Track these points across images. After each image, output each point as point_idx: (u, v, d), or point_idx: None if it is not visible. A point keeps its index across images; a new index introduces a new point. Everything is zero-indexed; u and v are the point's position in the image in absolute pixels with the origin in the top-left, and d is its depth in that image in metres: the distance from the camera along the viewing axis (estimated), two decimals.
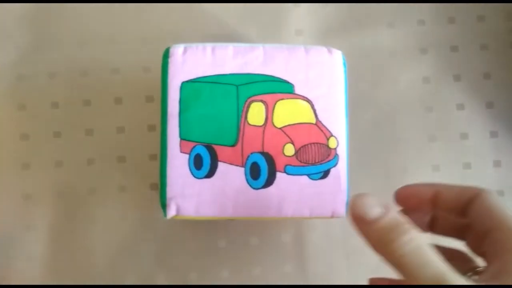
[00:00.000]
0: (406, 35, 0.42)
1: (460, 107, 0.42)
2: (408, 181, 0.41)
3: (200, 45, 0.32)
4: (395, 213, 0.24)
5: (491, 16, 0.43)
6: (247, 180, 0.31)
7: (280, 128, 0.31)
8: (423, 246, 0.23)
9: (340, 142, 0.31)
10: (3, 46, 0.41)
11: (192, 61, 0.32)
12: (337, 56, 0.32)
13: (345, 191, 0.31)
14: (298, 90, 0.31)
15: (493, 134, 0.42)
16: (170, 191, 0.31)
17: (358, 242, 0.38)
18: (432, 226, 0.31)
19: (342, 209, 0.32)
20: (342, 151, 0.31)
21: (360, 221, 0.25)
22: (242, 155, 0.31)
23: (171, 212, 0.31)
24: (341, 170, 0.31)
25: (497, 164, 0.42)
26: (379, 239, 0.24)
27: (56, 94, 0.41)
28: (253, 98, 0.31)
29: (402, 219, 0.24)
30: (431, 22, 0.43)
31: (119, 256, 0.40)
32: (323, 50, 0.32)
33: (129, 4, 0.42)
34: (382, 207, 0.24)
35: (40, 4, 0.42)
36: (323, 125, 0.31)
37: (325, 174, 0.31)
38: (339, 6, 0.43)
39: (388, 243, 0.23)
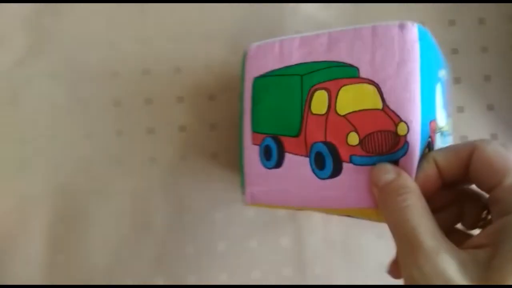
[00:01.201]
0: None
1: (460, 109, 0.42)
2: None
3: (270, 41, 0.32)
4: (404, 179, 0.25)
5: (491, 19, 0.43)
6: (313, 170, 0.30)
7: (343, 116, 0.29)
8: (412, 206, 0.24)
9: (412, 128, 0.27)
10: (4, 47, 0.41)
11: (262, 57, 0.32)
12: (411, 30, 0.28)
13: None
14: (363, 73, 0.29)
15: (494, 137, 0.42)
16: (247, 180, 0.32)
17: (357, 245, 0.38)
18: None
19: None
20: (414, 138, 0.27)
21: (375, 185, 0.26)
22: (305, 145, 0.30)
23: (248, 200, 0.32)
24: (411, 159, 0.27)
25: None
26: (383, 199, 0.25)
27: (56, 96, 0.41)
28: (316, 86, 0.30)
29: (408, 183, 0.25)
30: (431, 24, 0.42)
31: (118, 259, 0.40)
32: (393, 26, 0.29)
33: (130, 4, 0.42)
34: (395, 173, 0.26)
35: (42, 5, 0.42)
36: (391, 110, 0.28)
37: (395, 164, 0.27)
38: (339, 8, 0.43)
39: (387, 203, 0.25)
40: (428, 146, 0.28)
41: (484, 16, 0.43)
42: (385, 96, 0.28)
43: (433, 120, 0.29)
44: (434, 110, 0.29)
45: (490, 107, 0.42)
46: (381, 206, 0.26)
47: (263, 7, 0.42)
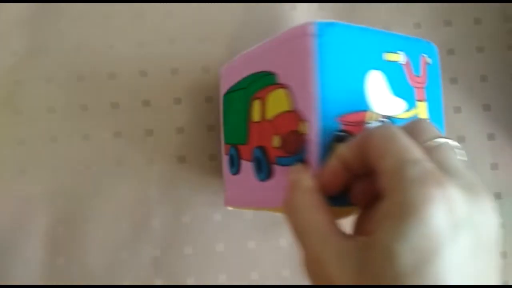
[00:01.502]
0: None
1: (457, 110, 0.42)
2: None
3: (235, 58, 0.35)
4: (298, 178, 0.26)
5: (487, 19, 0.43)
6: (255, 173, 0.32)
7: (269, 121, 0.31)
8: (301, 205, 0.24)
9: (310, 125, 0.27)
10: (1, 49, 0.41)
11: (227, 75, 0.36)
12: (306, 29, 0.28)
13: None
14: (280, 78, 0.30)
15: (490, 137, 0.42)
16: (225, 186, 0.37)
17: None
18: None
19: None
20: (313, 135, 0.27)
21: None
22: (250, 151, 0.33)
23: (225, 203, 0.37)
24: (312, 156, 0.27)
25: (494, 166, 0.42)
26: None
27: (53, 100, 0.41)
28: (253, 96, 0.33)
29: (300, 183, 0.25)
30: (427, 25, 0.43)
31: (117, 261, 0.40)
32: (294, 28, 0.29)
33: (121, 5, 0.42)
34: (295, 172, 0.26)
35: (39, 7, 0.42)
36: (298, 110, 0.29)
37: (303, 163, 0.28)
38: (335, 9, 0.43)
39: (284, 201, 0.26)
40: (341, 140, 0.27)
41: (480, 16, 0.43)
42: (294, 97, 0.29)
43: (359, 111, 0.29)
44: (362, 101, 0.29)
45: (486, 107, 0.42)
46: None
47: (260, 7, 0.42)
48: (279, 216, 0.41)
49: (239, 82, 0.34)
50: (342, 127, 0.28)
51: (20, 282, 0.39)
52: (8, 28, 0.42)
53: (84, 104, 0.41)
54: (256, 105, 0.32)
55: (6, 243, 0.40)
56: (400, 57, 0.31)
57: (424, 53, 0.32)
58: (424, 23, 0.43)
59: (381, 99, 0.30)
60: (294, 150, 0.29)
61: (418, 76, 0.32)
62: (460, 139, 0.42)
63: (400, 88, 0.31)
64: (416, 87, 0.32)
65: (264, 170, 0.31)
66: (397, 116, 0.30)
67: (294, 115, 0.29)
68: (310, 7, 0.43)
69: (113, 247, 0.40)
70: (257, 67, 0.32)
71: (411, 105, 0.31)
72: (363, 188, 0.25)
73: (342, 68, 0.29)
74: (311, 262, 0.23)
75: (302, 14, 0.42)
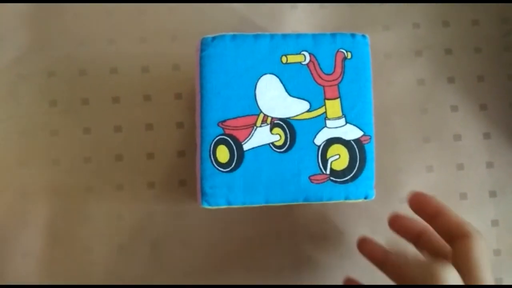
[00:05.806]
0: (401, 37, 0.43)
1: (454, 109, 0.43)
2: (402, 181, 0.42)
3: None
4: None
5: (485, 20, 0.43)
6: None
7: None
8: None
9: (197, 131, 0.33)
10: (4, 44, 0.42)
11: None
12: (197, 44, 0.33)
13: None
14: (197, 89, 0.35)
15: (486, 136, 0.42)
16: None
17: (353, 245, 0.39)
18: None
19: None
20: (197, 140, 0.33)
21: None
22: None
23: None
24: (197, 159, 0.33)
25: (490, 165, 0.42)
26: None
27: (54, 93, 0.41)
28: None
29: None
30: (426, 25, 0.43)
31: (116, 257, 0.40)
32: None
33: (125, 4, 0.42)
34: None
35: (39, 4, 0.42)
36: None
37: None
38: (334, 9, 0.43)
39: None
40: (224, 143, 0.31)
41: (478, 17, 0.43)
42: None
43: (246, 116, 0.31)
44: (252, 105, 0.31)
45: (483, 107, 0.43)
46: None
47: (260, 7, 0.43)
48: (278, 215, 0.41)
49: None
50: (225, 131, 0.31)
51: (19, 274, 0.40)
52: (11, 22, 0.42)
53: (85, 98, 0.41)
54: None
55: (5, 235, 0.40)
56: (302, 58, 0.32)
57: (343, 48, 0.32)
58: (423, 24, 0.43)
59: (275, 102, 0.31)
60: None
61: (328, 74, 0.32)
62: (456, 138, 0.42)
63: (302, 88, 0.32)
64: (326, 86, 0.32)
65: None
66: (296, 117, 0.32)
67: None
68: (311, 6, 0.43)
69: (113, 242, 0.40)
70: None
71: (317, 105, 0.32)
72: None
73: (227, 77, 0.31)
74: None
75: (303, 13, 0.43)
